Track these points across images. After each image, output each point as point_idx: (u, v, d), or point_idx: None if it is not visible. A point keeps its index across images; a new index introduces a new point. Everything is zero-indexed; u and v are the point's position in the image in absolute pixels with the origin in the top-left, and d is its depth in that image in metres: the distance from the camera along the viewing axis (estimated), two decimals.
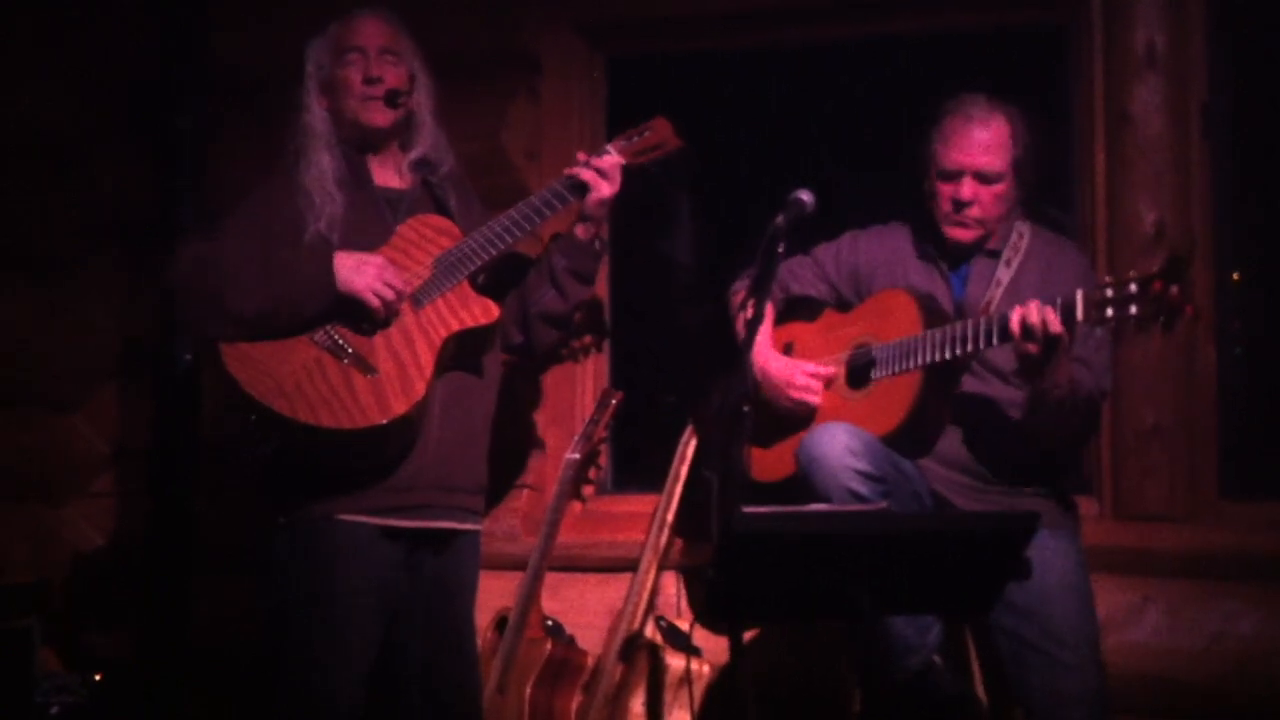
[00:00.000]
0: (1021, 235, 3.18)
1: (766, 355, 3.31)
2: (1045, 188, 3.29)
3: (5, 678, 3.58)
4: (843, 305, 3.37)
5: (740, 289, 3.42)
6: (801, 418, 3.24)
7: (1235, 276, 3.64)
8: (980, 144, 3.11)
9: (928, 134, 3.19)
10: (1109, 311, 2.70)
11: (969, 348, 2.95)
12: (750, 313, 2.70)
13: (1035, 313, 2.79)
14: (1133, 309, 2.66)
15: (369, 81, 3.12)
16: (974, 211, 3.13)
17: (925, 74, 3.47)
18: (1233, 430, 3.59)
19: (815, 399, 3.22)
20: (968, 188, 3.11)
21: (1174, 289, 2.62)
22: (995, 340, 2.90)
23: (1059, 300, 2.79)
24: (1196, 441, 3.53)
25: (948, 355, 2.98)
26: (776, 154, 4.00)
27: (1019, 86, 3.49)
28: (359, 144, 3.17)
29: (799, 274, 3.42)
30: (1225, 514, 3.53)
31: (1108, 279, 2.75)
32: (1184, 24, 3.54)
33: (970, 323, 2.97)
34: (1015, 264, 3.15)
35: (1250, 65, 3.66)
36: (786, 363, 3.29)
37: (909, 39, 3.89)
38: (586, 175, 3.16)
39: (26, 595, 3.71)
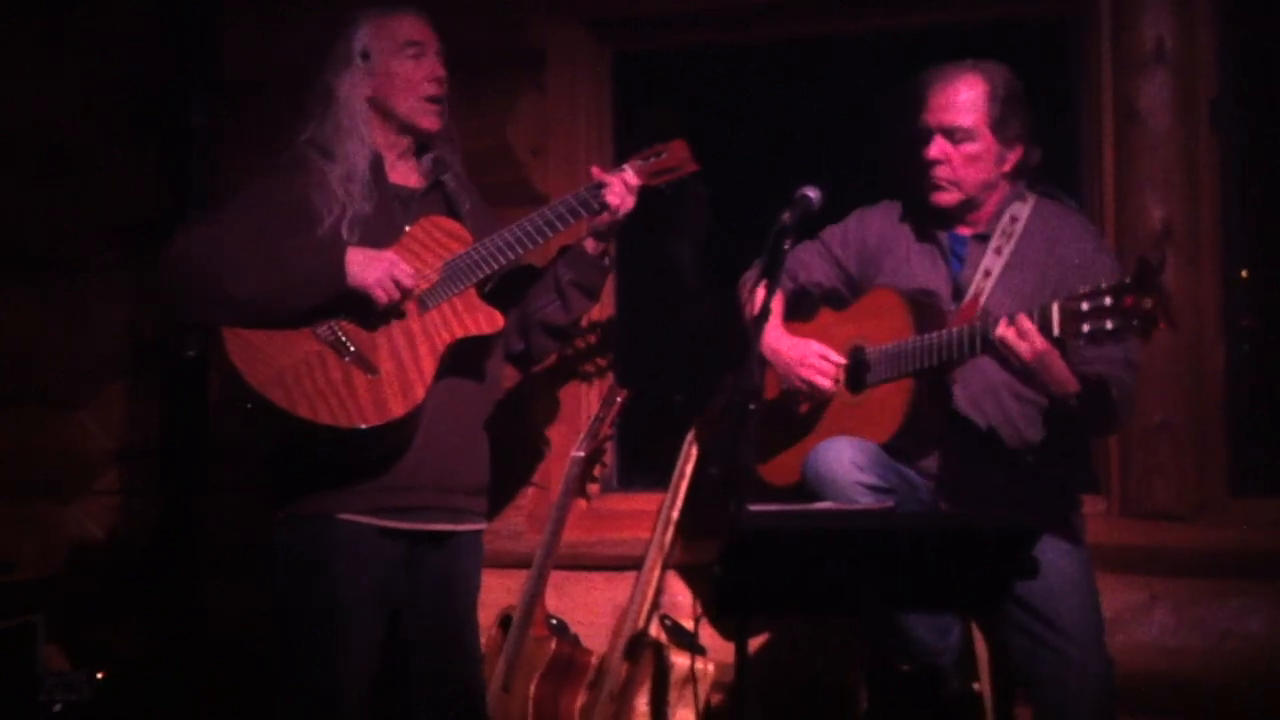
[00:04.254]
0: (1015, 219, 3.10)
1: (778, 336, 3.25)
2: (1045, 165, 3.21)
3: (9, 675, 3.57)
4: (839, 302, 3.34)
5: (749, 279, 3.36)
6: (813, 405, 3.20)
7: (1244, 274, 3.62)
8: (947, 102, 3.05)
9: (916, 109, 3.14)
10: (1085, 326, 2.64)
11: (954, 356, 2.92)
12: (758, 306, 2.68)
13: (1014, 335, 2.76)
14: (1108, 324, 2.61)
15: (436, 80, 3.10)
16: (943, 171, 3.07)
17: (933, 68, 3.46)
18: (1241, 427, 3.57)
19: (826, 383, 3.16)
20: (935, 146, 3.07)
21: (1147, 302, 2.55)
22: (979, 350, 2.86)
23: (1036, 314, 2.75)
24: (1204, 439, 3.51)
25: (934, 362, 2.96)
26: (783, 149, 3.98)
27: (1026, 81, 3.46)
28: (393, 138, 3.13)
29: (807, 261, 3.38)
30: (1233, 511, 3.52)
31: (1082, 290, 2.67)
32: (1192, 18, 3.53)
33: (955, 332, 2.92)
34: (1007, 251, 3.08)
35: (1259, 60, 3.64)
36: (798, 342, 3.23)
37: (917, 32, 3.87)
38: (615, 191, 3.11)
39: (33, 592, 3.72)
